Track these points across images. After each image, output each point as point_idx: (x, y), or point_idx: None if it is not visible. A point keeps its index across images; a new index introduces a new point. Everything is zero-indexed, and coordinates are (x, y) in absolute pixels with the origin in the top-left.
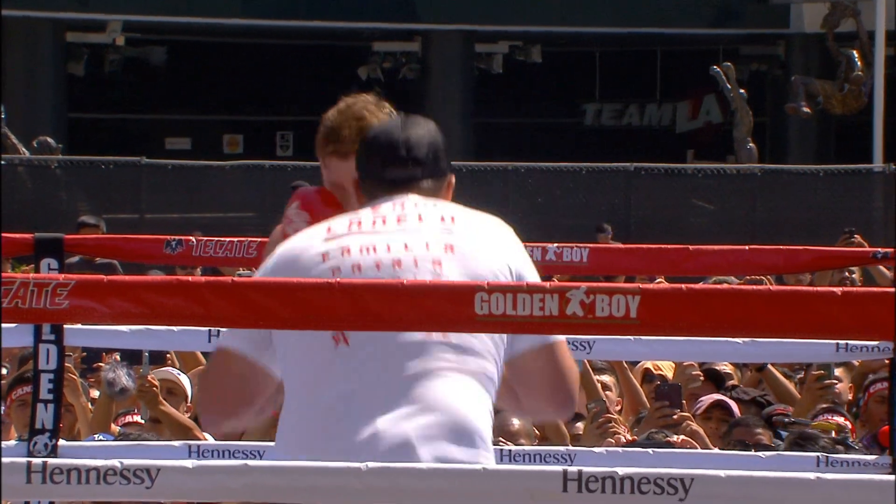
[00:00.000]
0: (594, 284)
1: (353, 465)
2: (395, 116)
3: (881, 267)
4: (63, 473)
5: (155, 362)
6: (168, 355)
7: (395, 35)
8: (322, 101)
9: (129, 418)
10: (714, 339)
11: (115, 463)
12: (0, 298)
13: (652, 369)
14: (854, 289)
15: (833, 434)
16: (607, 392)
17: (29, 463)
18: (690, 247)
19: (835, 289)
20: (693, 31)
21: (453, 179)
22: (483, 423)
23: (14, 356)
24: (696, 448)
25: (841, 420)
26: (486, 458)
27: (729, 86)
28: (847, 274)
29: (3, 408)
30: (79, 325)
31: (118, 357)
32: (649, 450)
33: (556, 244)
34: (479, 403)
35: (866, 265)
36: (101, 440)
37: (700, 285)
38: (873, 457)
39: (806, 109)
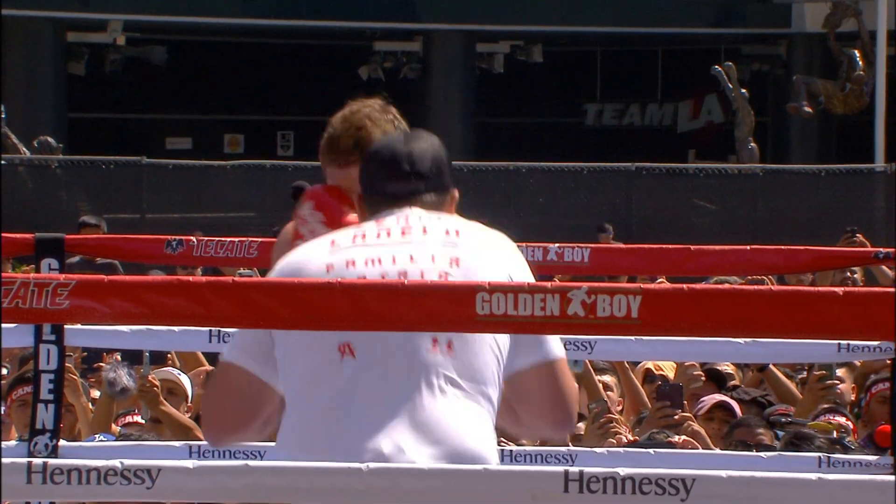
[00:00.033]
0: (595, 284)
1: (353, 466)
2: (399, 130)
3: (883, 266)
4: (64, 474)
5: (155, 362)
6: (168, 355)
7: (396, 35)
8: (323, 101)
9: (129, 418)
10: (715, 340)
11: (116, 463)
12: (0, 298)
13: (653, 369)
14: (856, 289)
15: (833, 434)
16: (608, 392)
17: (29, 463)
18: (692, 247)
19: (836, 289)
20: (694, 31)
21: (457, 194)
22: (488, 447)
23: (15, 356)
24: (698, 448)
25: (842, 420)
26: None
27: (730, 85)
28: (849, 274)
29: (3, 408)
30: (79, 326)
31: (119, 357)
32: (651, 450)
33: (557, 244)
34: (483, 426)
35: (868, 265)
36: (102, 440)
37: (701, 285)
38: (875, 457)
39: (807, 109)
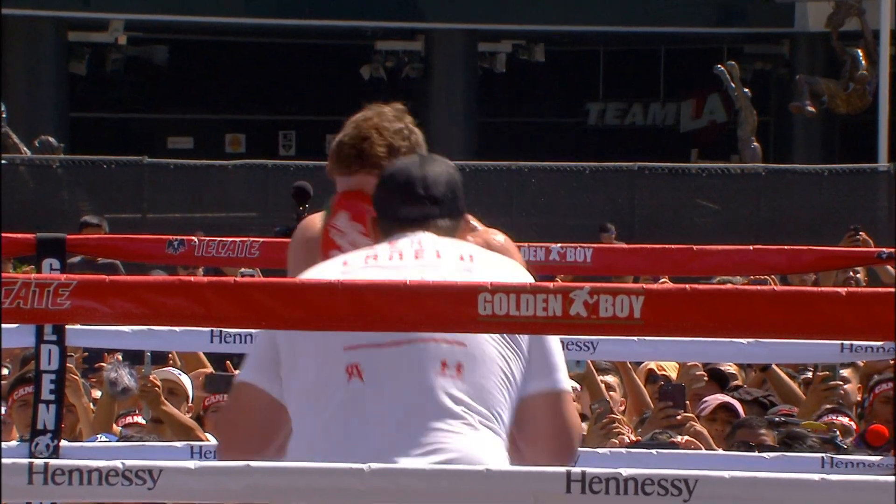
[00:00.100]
0: (598, 285)
1: (355, 466)
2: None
3: (888, 266)
4: (65, 474)
5: (156, 362)
6: (169, 355)
7: (398, 34)
8: (325, 101)
9: (130, 419)
10: (718, 340)
11: (117, 464)
12: (1, 299)
13: (655, 370)
14: (858, 289)
15: (837, 433)
16: (611, 392)
17: (31, 464)
18: (694, 247)
19: (839, 289)
20: (697, 30)
21: (470, 219)
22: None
23: (16, 356)
24: (701, 449)
25: (845, 420)
26: None
27: (733, 85)
28: (851, 274)
29: (4, 408)
30: (80, 326)
31: (120, 357)
32: (653, 450)
33: (559, 244)
34: (494, 449)
35: (871, 265)
36: (104, 440)
37: (704, 285)
38: (877, 458)
39: (810, 109)
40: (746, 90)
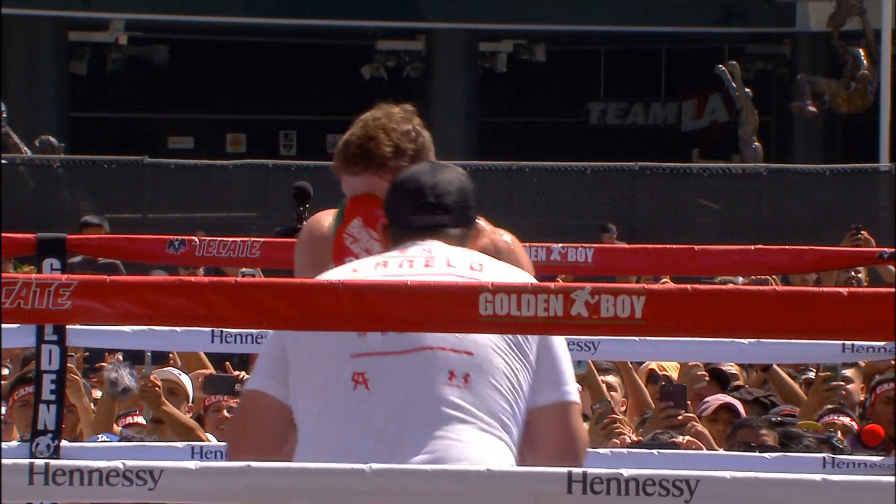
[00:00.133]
0: (599, 285)
1: (356, 467)
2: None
3: (890, 266)
4: (65, 475)
5: (157, 362)
6: (170, 355)
7: (399, 34)
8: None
9: (130, 419)
10: (719, 340)
11: (118, 464)
12: (2, 299)
13: (657, 370)
14: (860, 289)
15: (833, 433)
16: (612, 393)
17: (31, 464)
18: (696, 247)
19: (841, 289)
20: (698, 30)
21: (481, 226)
22: None
23: (16, 357)
24: (702, 449)
25: (847, 420)
26: None
27: (734, 85)
28: (853, 273)
29: (5, 408)
30: (81, 326)
31: (121, 357)
32: (654, 451)
33: (560, 244)
34: (502, 457)
35: (872, 265)
36: (105, 440)
37: (705, 286)
38: (879, 458)
39: (812, 108)
40: (748, 90)
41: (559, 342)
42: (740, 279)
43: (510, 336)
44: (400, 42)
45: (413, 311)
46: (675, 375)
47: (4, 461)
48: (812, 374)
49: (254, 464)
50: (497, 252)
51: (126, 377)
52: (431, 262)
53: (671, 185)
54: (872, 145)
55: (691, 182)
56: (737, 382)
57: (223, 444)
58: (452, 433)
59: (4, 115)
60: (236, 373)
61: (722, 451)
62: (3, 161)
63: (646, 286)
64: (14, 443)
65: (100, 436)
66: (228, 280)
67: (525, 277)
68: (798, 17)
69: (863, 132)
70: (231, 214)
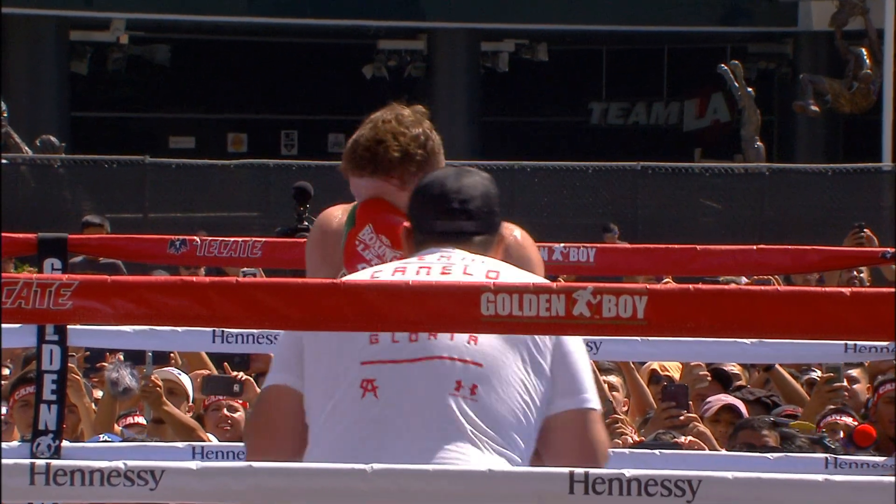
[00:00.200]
0: (601, 285)
1: (358, 467)
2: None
3: (894, 266)
4: (66, 475)
5: (158, 362)
6: (171, 355)
7: (401, 33)
8: (327, 100)
9: (131, 419)
10: (721, 340)
11: (119, 464)
12: (2, 299)
13: (659, 370)
14: (862, 289)
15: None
16: (614, 393)
17: (32, 464)
18: (698, 247)
19: (843, 289)
20: (700, 29)
21: (505, 231)
22: None
23: (17, 357)
24: (704, 449)
25: (849, 421)
26: None
27: (737, 84)
28: (855, 273)
29: (5, 408)
30: (82, 326)
31: (121, 357)
32: (656, 451)
33: (562, 244)
34: None
35: (875, 265)
36: (106, 440)
37: (707, 285)
38: (881, 458)
39: (814, 108)
40: (750, 89)
41: (577, 349)
42: (743, 279)
43: (524, 348)
44: (401, 41)
45: (414, 312)
46: (676, 376)
47: (5, 461)
48: (814, 375)
49: (255, 464)
50: (506, 248)
51: (127, 377)
52: (449, 269)
53: (673, 184)
54: (875, 145)
55: (693, 182)
56: (739, 382)
57: (224, 444)
58: (455, 445)
59: (5, 115)
60: (234, 373)
61: (724, 452)
62: (4, 161)
63: (648, 286)
64: (15, 443)
65: (101, 436)
66: (230, 280)
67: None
68: (801, 17)
69: (865, 132)
70: (232, 214)
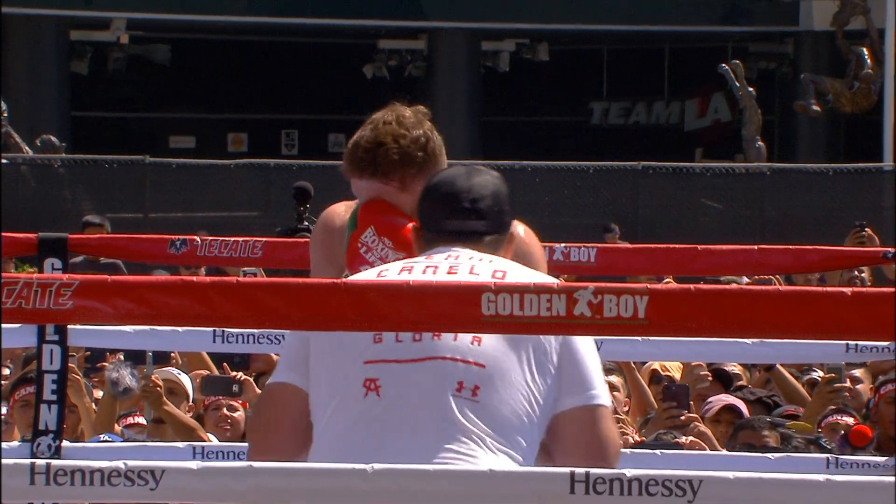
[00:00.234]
0: (602, 284)
1: (358, 467)
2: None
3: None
4: (67, 475)
5: (158, 361)
6: (172, 354)
7: (401, 33)
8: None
9: (131, 419)
10: (723, 340)
11: (120, 464)
12: (3, 298)
13: (659, 370)
14: (864, 289)
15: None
16: (615, 393)
17: (32, 464)
18: (699, 246)
19: (844, 289)
20: (701, 29)
21: (516, 230)
22: None
23: (17, 356)
24: (705, 449)
25: (850, 421)
26: None
27: (737, 84)
28: (856, 273)
29: (6, 408)
30: (82, 326)
31: (122, 356)
32: (657, 451)
33: (563, 244)
34: None
35: (876, 265)
36: (107, 440)
37: (708, 285)
38: (883, 458)
39: (815, 108)
40: (751, 89)
41: (584, 347)
42: (745, 279)
43: (528, 348)
44: (402, 41)
45: (415, 311)
46: (677, 376)
47: (5, 461)
48: (815, 375)
49: (256, 464)
50: None
51: (127, 377)
52: (455, 269)
53: (674, 184)
54: (876, 145)
55: (694, 182)
56: (740, 383)
57: (225, 444)
58: (455, 445)
59: (6, 115)
60: (233, 373)
61: (725, 452)
62: (4, 161)
63: (648, 286)
64: (15, 443)
65: (101, 436)
66: (230, 280)
67: (547, 280)
68: (802, 16)
69: (866, 132)
70: (233, 214)
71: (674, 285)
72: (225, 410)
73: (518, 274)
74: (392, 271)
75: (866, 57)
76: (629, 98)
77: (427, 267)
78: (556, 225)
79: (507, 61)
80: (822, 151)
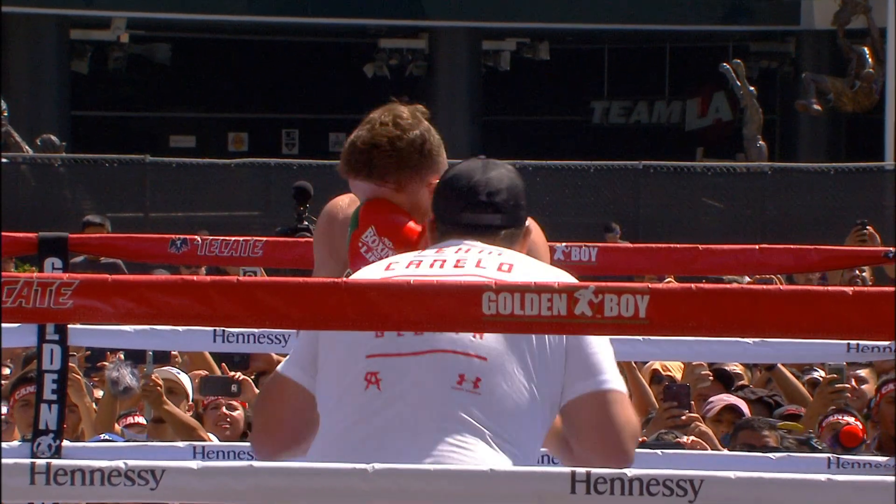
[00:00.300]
0: (603, 284)
1: (359, 467)
2: (476, 159)
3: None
4: (67, 474)
5: (159, 361)
6: (175, 355)
7: (402, 32)
8: (328, 99)
9: (131, 419)
10: (724, 340)
11: (120, 464)
12: (3, 298)
13: (660, 370)
14: (865, 288)
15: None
16: None
17: (33, 464)
18: (700, 246)
19: (846, 288)
20: (702, 28)
21: (530, 225)
22: None
23: (17, 356)
24: (706, 449)
25: (851, 421)
26: None
27: (739, 83)
28: (857, 272)
29: (6, 408)
30: (82, 325)
31: (122, 356)
32: (658, 451)
33: (564, 243)
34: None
35: (877, 265)
36: (108, 440)
37: (709, 285)
38: (885, 458)
39: (816, 107)
40: (752, 88)
41: (593, 335)
42: (746, 279)
43: (531, 341)
44: (403, 40)
45: (416, 311)
46: (678, 375)
47: (5, 461)
48: (816, 374)
49: (256, 464)
50: None
51: (127, 376)
52: (463, 262)
53: (675, 183)
54: (877, 144)
55: (695, 181)
56: (741, 382)
57: (225, 443)
58: (454, 438)
59: (6, 114)
60: (232, 374)
61: (726, 452)
62: (4, 160)
63: (650, 285)
64: (15, 443)
65: (103, 435)
66: (231, 279)
67: (556, 273)
68: (803, 15)
69: (868, 131)
70: (233, 213)
71: (675, 285)
72: (224, 409)
73: (525, 267)
74: (401, 263)
75: (867, 56)
76: (630, 97)
77: (435, 260)
78: (557, 224)
79: (508, 60)
80: (824, 151)
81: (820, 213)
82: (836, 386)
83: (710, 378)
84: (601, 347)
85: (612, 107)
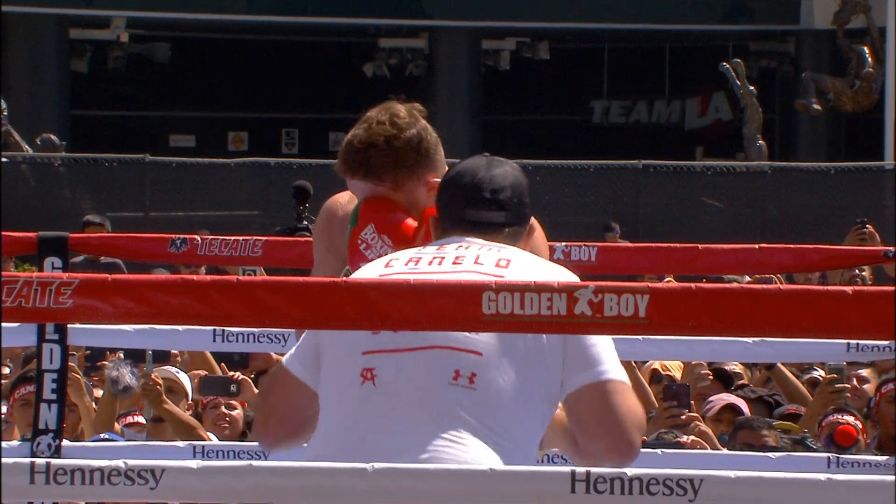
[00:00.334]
0: (602, 283)
1: (358, 466)
2: (480, 155)
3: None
4: (67, 474)
5: (159, 360)
6: (175, 354)
7: (402, 31)
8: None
9: (131, 419)
10: (723, 339)
11: (120, 463)
12: (3, 297)
13: (660, 369)
14: (865, 288)
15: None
16: None
17: (32, 463)
18: (700, 245)
19: (845, 288)
20: (702, 28)
21: (535, 223)
22: None
23: (17, 356)
24: (706, 448)
25: (851, 420)
26: None
27: (738, 82)
28: (857, 272)
29: (5, 408)
30: (82, 325)
31: (121, 355)
32: (658, 450)
33: (563, 243)
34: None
35: (877, 264)
36: (107, 439)
37: (709, 284)
38: (884, 458)
39: (816, 106)
40: (752, 88)
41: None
42: (746, 278)
43: (529, 335)
44: (402, 40)
45: (416, 310)
46: (678, 375)
47: (5, 460)
48: (816, 374)
49: (256, 463)
50: None
51: (127, 376)
52: (461, 259)
53: (675, 183)
54: (877, 144)
55: (695, 180)
56: (741, 382)
57: (225, 443)
58: (449, 433)
59: (5, 113)
60: (231, 374)
61: (726, 451)
62: (4, 159)
63: (649, 285)
64: (15, 442)
65: (103, 435)
66: (231, 278)
67: (552, 271)
68: (802, 15)
69: (867, 130)
70: (233, 213)
71: (675, 284)
72: (223, 409)
73: (523, 263)
74: (401, 260)
75: (867, 55)
76: (630, 97)
77: (434, 257)
78: (557, 223)
79: (508, 60)
80: (823, 150)
81: (820, 212)
82: (836, 386)
83: (710, 377)
84: (600, 339)
85: (612, 106)
